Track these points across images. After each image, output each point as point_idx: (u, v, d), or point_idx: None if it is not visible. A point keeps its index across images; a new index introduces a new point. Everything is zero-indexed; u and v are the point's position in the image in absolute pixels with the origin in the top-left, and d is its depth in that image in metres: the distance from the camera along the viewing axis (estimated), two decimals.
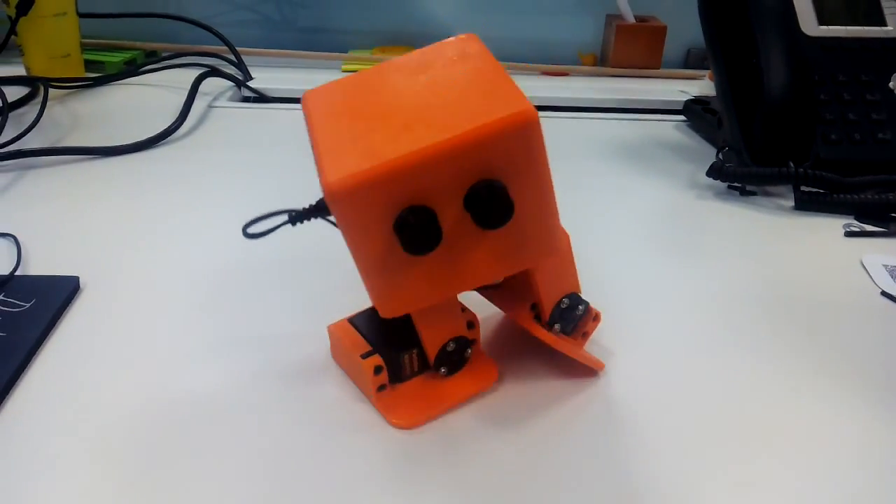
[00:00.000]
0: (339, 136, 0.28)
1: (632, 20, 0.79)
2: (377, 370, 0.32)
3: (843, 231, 0.50)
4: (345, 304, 0.36)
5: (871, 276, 0.45)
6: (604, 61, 0.82)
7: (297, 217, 0.30)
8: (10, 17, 0.67)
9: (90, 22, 0.79)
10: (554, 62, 0.82)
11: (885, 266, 0.46)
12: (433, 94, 0.29)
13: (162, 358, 0.36)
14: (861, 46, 0.59)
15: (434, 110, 0.28)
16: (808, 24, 0.59)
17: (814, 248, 0.48)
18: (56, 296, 0.40)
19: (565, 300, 0.35)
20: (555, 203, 0.30)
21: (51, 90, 0.70)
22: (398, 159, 0.26)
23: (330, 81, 0.32)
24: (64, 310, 0.40)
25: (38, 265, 0.43)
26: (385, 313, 0.30)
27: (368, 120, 0.28)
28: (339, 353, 0.35)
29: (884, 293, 0.43)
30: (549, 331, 0.35)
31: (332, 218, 0.30)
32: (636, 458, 0.31)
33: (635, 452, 0.31)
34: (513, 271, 0.31)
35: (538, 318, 0.35)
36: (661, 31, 0.78)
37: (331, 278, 0.43)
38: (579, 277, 0.36)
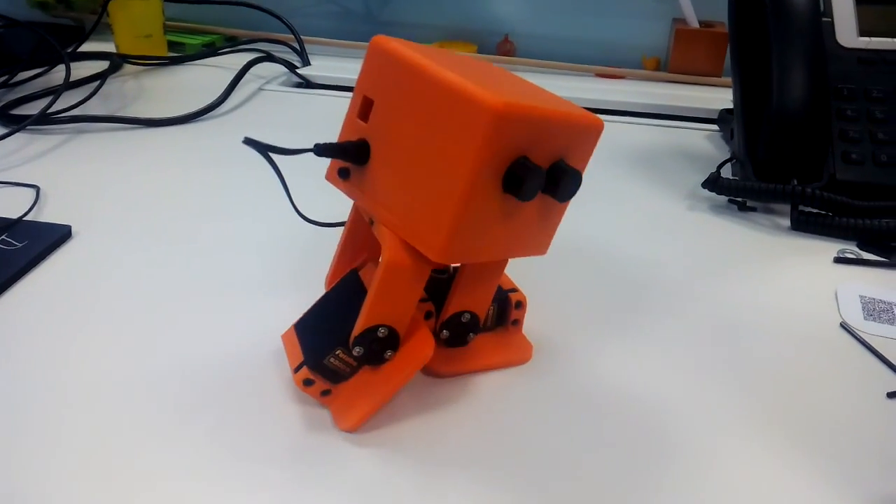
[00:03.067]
0: (462, 75, 0.29)
1: (695, 25, 0.76)
2: (307, 383, 0.32)
3: (834, 257, 0.46)
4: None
5: (838, 306, 0.42)
6: (665, 66, 0.80)
7: (322, 149, 0.31)
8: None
9: (180, 7, 0.87)
10: (618, 65, 0.80)
11: (862, 297, 0.42)
12: (518, 85, 0.32)
13: (117, 319, 0.39)
14: None
15: (533, 94, 0.31)
16: (846, 34, 0.54)
17: (795, 272, 0.45)
18: (45, 240, 0.46)
19: (466, 315, 0.35)
20: None
21: (130, 66, 0.78)
22: (545, 109, 0.29)
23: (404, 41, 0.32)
24: (49, 253, 0.45)
25: (49, 214, 0.49)
26: (442, 257, 0.30)
27: (483, 77, 0.30)
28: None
29: (842, 325, 0.40)
30: (438, 337, 0.35)
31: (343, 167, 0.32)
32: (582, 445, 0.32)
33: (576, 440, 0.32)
34: (529, 254, 0.34)
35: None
36: (722, 38, 0.74)
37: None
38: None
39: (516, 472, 0.30)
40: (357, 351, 0.31)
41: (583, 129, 0.31)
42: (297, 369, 0.32)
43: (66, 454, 0.30)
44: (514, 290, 0.37)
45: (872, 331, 0.40)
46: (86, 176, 0.55)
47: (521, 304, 0.37)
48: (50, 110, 0.61)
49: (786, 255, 0.47)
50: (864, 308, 0.41)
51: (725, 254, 0.47)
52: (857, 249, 0.47)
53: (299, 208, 0.38)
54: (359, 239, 0.37)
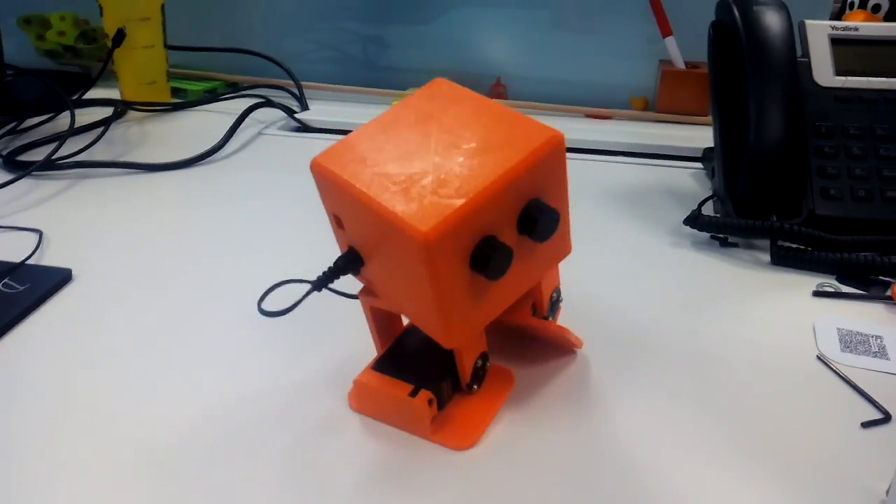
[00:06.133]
0: (388, 189, 0.30)
1: (681, 66, 0.78)
2: (430, 403, 0.34)
3: (813, 291, 0.47)
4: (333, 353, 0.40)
5: (815, 339, 0.43)
6: (653, 106, 0.81)
7: (321, 283, 0.34)
8: (107, 48, 0.78)
9: (182, 54, 0.90)
10: (607, 105, 0.82)
11: (839, 329, 0.43)
12: (458, 136, 0.32)
13: (117, 361, 0.40)
14: (884, 99, 0.55)
15: (472, 149, 0.31)
16: (823, 74, 0.56)
17: (774, 306, 0.46)
18: (46, 283, 0.47)
19: (554, 294, 0.39)
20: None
21: (134, 112, 0.81)
22: (475, 198, 0.29)
23: (332, 145, 0.34)
24: (50, 296, 0.47)
25: (51, 258, 0.51)
26: (453, 343, 0.32)
27: (411, 170, 0.31)
28: (370, 400, 0.36)
29: (819, 357, 0.41)
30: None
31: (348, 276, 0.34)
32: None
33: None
34: (546, 273, 0.36)
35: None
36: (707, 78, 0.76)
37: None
38: None
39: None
40: (475, 388, 0.36)
41: (545, 161, 0.31)
42: (413, 393, 0.34)
43: (69, 500, 0.31)
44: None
45: (849, 362, 0.41)
46: (88, 220, 0.56)
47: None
48: (55, 156, 0.63)
49: (766, 290, 0.48)
50: (841, 340, 0.42)
51: (707, 288, 0.48)
52: (836, 283, 0.48)
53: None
54: (387, 324, 0.38)
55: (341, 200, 0.32)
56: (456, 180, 0.29)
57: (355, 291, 0.37)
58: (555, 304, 0.40)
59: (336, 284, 0.35)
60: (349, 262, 0.34)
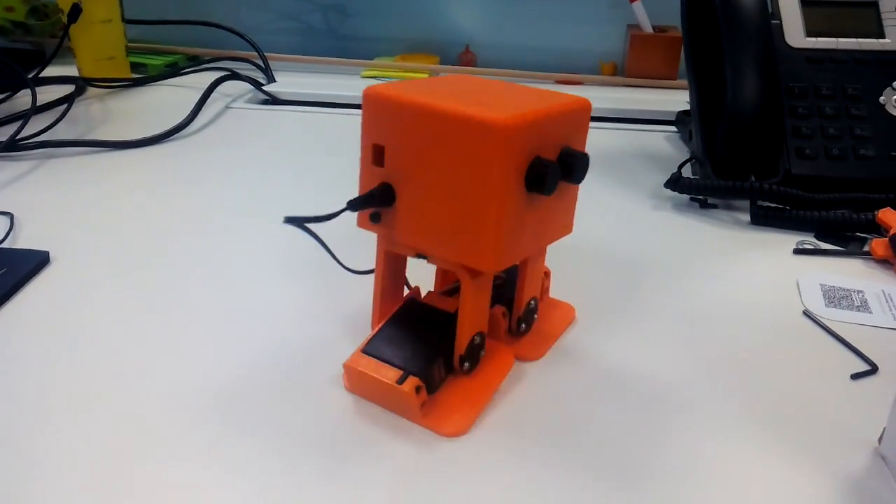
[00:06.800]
0: (457, 102, 0.31)
1: (649, 30, 0.79)
2: (418, 390, 0.33)
3: (793, 249, 0.49)
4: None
5: (800, 295, 0.44)
6: (622, 70, 0.82)
7: (356, 204, 0.33)
8: (63, 24, 0.75)
9: (140, 28, 0.87)
10: (576, 71, 0.83)
11: (822, 285, 0.45)
12: (497, 93, 0.34)
13: (104, 342, 0.39)
14: (853, 59, 0.56)
15: (519, 99, 0.33)
16: (795, 35, 0.57)
17: (757, 265, 0.47)
18: (24, 266, 0.46)
19: (532, 302, 0.39)
20: None
21: (94, 89, 0.78)
22: (543, 110, 0.31)
23: (385, 83, 0.34)
24: (29, 279, 0.45)
25: (25, 240, 0.49)
26: (495, 266, 0.32)
27: (471, 97, 0.32)
28: (361, 384, 0.35)
29: (805, 312, 0.42)
30: (517, 332, 0.39)
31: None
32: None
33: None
34: (560, 236, 0.37)
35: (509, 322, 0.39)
36: (676, 42, 0.77)
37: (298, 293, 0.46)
38: None
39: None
40: (466, 367, 0.35)
41: (576, 113, 0.34)
42: (401, 380, 0.33)
43: (56, 484, 0.31)
44: None
45: (834, 317, 0.42)
46: (60, 201, 0.55)
47: (547, 275, 0.41)
48: (18, 136, 0.61)
49: (748, 249, 0.49)
50: (825, 296, 0.44)
51: (690, 250, 0.49)
52: (814, 240, 0.50)
53: (291, 232, 0.38)
54: (394, 281, 0.38)
55: (394, 123, 0.32)
56: (520, 105, 0.31)
57: (357, 267, 0.37)
58: (532, 311, 0.39)
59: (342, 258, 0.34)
60: (383, 193, 0.33)
